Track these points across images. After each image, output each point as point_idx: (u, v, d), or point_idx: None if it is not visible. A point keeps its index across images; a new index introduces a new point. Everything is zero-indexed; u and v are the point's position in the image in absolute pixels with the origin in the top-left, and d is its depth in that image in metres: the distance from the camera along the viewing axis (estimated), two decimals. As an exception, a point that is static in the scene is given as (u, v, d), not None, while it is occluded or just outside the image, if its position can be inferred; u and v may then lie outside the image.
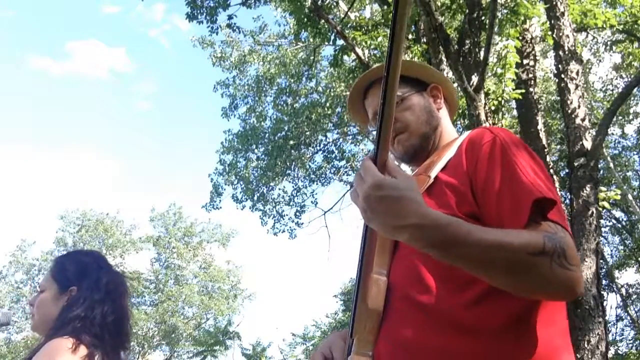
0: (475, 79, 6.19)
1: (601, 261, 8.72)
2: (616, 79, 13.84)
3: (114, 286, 1.79)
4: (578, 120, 6.28)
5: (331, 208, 13.29)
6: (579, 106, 6.34)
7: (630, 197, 13.20)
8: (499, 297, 1.01)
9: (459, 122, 7.39)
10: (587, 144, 6.17)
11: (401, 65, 0.90)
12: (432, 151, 1.31)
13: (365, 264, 1.09)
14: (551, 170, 6.79)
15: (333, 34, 8.49)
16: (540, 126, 6.97)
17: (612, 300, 14.26)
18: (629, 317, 13.94)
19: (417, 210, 0.90)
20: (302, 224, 12.57)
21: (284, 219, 12.63)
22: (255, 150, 12.79)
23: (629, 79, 11.21)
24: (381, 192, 0.90)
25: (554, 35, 6.61)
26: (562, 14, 6.61)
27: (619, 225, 14.38)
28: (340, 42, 8.76)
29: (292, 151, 12.57)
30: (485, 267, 0.93)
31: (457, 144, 1.20)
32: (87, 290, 1.73)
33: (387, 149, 0.94)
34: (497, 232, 0.94)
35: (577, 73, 6.47)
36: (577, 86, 6.42)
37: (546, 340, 1.01)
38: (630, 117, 14.11)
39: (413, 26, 8.33)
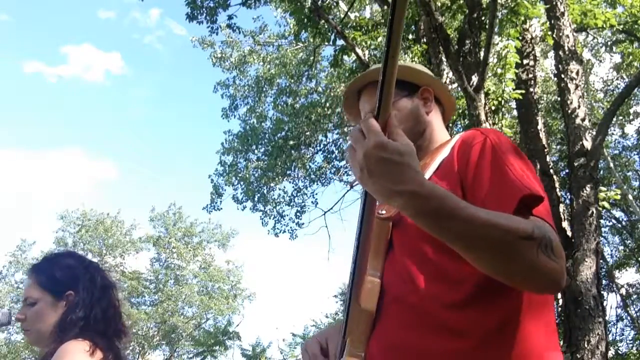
0: (475, 79, 6.20)
1: (601, 261, 8.71)
2: (616, 79, 13.85)
3: (107, 281, 1.81)
4: (578, 120, 6.29)
5: (331, 208, 13.23)
6: (579, 106, 6.34)
7: (630, 197, 13.21)
8: (489, 298, 1.02)
9: (459, 122, 7.38)
10: (587, 144, 6.18)
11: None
12: (421, 154, 1.30)
13: (358, 265, 1.09)
14: (551, 170, 6.80)
15: (333, 34, 8.48)
16: (540, 126, 6.98)
17: (612, 300, 14.24)
18: (629, 317, 13.94)
19: (415, 177, 0.90)
20: (303, 224, 12.57)
21: (284, 220, 12.62)
22: (256, 151, 12.78)
23: (629, 79, 11.20)
24: (384, 153, 0.89)
25: (554, 35, 6.61)
26: (562, 14, 6.62)
27: (619, 225, 14.38)
28: (340, 42, 8.76)
29: (292, 151, 12.55)
30: (474, 243, 0.93)
31: (450, 145, 1.22)
32: (84, 291, 1.72)
33: (390, 106, 0.92)
34: (490, 212, 0.94)
35: (577, 73, 6.48)
36: (577, 86, 6.42)
37: (534, 341, 1.02)
38: (630, 117, 14.10)
39: (413, 26, 8.33)
